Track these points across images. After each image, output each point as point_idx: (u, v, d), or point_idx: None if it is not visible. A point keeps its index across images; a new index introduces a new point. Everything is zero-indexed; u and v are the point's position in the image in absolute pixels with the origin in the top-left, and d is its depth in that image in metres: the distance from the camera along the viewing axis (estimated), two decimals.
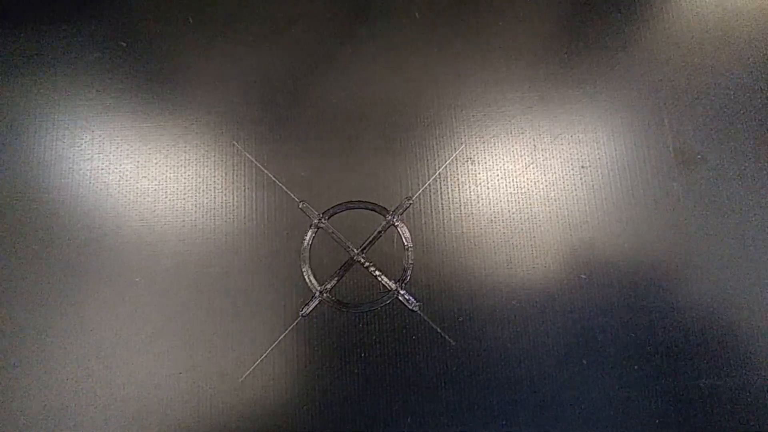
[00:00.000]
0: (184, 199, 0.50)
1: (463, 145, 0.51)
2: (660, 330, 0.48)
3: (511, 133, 0.52)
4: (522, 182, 0.51)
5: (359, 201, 0.50)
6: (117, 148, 0.50)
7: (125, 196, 0.49)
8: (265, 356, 0.46)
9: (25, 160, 0.50)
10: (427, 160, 0.51)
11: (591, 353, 0.47)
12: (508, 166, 0.51)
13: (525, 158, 0.51)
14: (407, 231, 0.49)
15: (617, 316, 0.48)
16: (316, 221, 0.49)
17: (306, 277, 0.48)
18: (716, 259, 0.49)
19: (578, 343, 0.48)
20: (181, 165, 0.50)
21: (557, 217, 0.50)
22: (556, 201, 0.50)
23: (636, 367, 0.47)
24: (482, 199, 0.50)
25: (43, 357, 0.46)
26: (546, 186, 0.51)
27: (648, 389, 0.47)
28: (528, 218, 0.50)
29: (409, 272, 0.49)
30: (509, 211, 0.50)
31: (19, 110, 0.51)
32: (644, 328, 0.48)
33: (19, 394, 0.46)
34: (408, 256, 0.49)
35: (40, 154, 0.50)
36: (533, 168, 0.51)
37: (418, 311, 0.48)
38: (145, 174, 0.50)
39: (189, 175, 0.50)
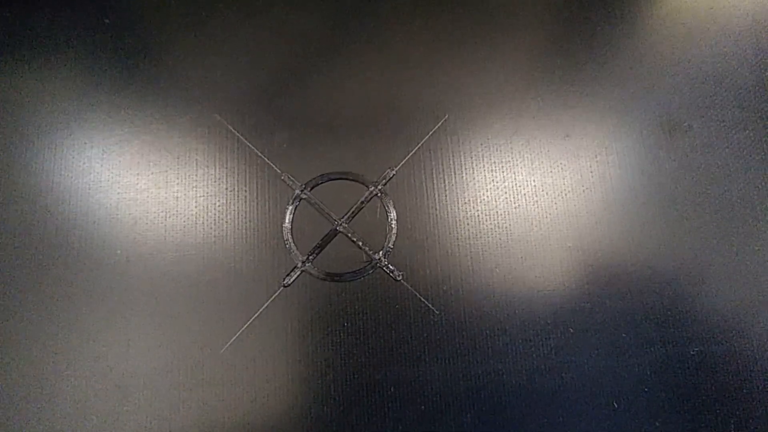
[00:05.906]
0: (166, 171, 0.49)
1: (446, 116, 0.51)
2: (648, 297, 0.47)
3: (494, 103, 0.51)
4: (505, 152, 0.51)
5: (342, 172, 0.50)
6: (100, 123, 0.50)
7: (108, 170, 0.49)
8: (247, 327, 0.46)
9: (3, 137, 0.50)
10: (410, 132, 0.51)
11: (578, 321, 0.47)
12: (491, 137, 0.51)
13: (508, 128, 0.51)
14: (390, 201, 0.49)
15: (604, 284, 0.47)
16: (298, 192, 0.49)
17: (288, 247, 0.48)
18: (703, 225, 0.48)
19: (565, 311, 0.47)
20: (164, 138, 0.50)
21: (541, 186, 0.50)
22: (539, 170, 0.50)
23: (624, 334, 0.46)
24: (466, 169, 0.50)
25: (21, 328, 0.46)
26: (530, 156, 0.50)
27: (637, 357, 0.46)
28: (511, 188, 0.50)
29: (392, 242, 0.48)
30: (493, 181, 0.50)
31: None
32: (632, 295, 0.47)
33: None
34: (391, 226, 0.48)
35: (20, 129, 0.50)
36: (517, 138, 0.51)
37: (402, 281, 0.47)
38: (128, 148, 0.50)
39: (171, 148, 0.50)
